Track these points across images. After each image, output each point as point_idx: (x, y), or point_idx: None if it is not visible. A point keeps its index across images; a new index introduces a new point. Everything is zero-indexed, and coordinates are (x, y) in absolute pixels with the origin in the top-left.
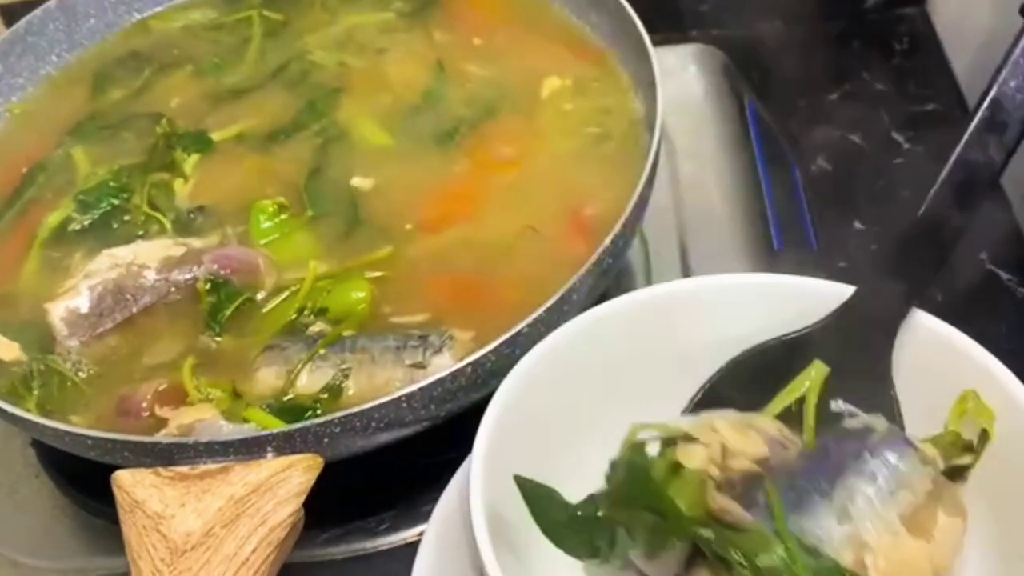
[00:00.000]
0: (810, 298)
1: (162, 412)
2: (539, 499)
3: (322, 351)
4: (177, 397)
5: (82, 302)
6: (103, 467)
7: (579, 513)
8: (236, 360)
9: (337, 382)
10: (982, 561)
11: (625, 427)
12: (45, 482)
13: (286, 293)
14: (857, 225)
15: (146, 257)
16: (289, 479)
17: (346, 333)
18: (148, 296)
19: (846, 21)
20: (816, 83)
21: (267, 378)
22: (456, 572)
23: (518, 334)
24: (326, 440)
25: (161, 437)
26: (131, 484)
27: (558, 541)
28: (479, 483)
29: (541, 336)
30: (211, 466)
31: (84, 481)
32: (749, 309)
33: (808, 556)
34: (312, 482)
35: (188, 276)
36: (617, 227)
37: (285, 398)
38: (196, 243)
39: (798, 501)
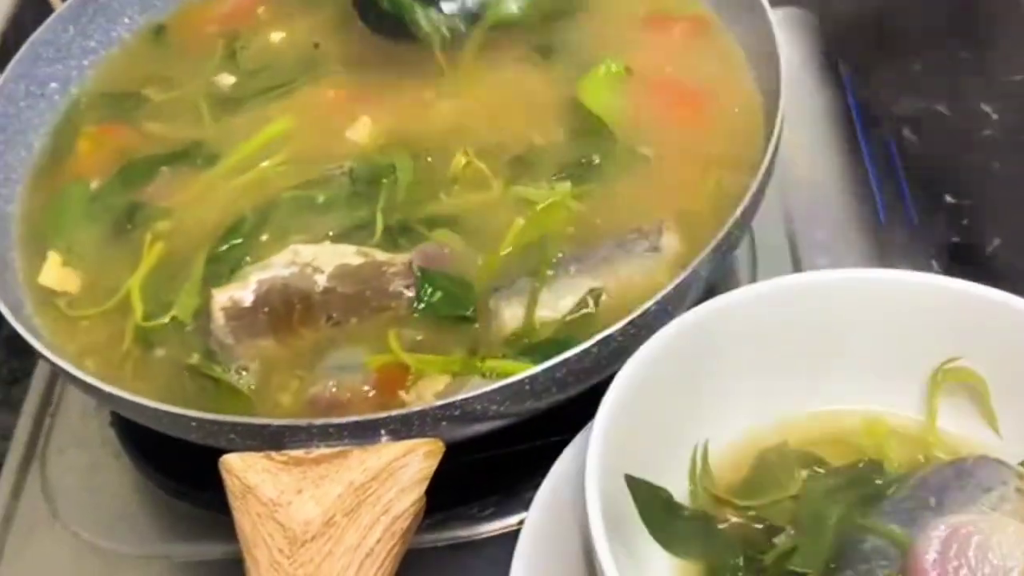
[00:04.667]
0: (934, 294)
1: (406, 396)
2: (649, 501)
3: (550, 272)
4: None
5: (247, 295)
6: (186, 448)
7: (688, 516)
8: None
9: (587, 300)
10: None
11: (744, 416)
12: (125, 463)
13: None
14: (948, 199)
15: (324, 260)
16: (409, 465)
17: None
18: (312, 306)
19: None
20: (900, 52)
21: (513, 317)
22: (558, 557)
23: (645, 313)
24: (444, 423)
25: (270, 419)
26: (242, 469)
27: (666, 543)
28: (595, 468)
29: (667, 315)
30: (326, 450)
31: (167, 462)
32: (869, 304)
33: None
34: (434, 468)
35: (353, 290)
36: (747, 199)
37: (533, 336)
38: (380, 255)
39: (910, 519)
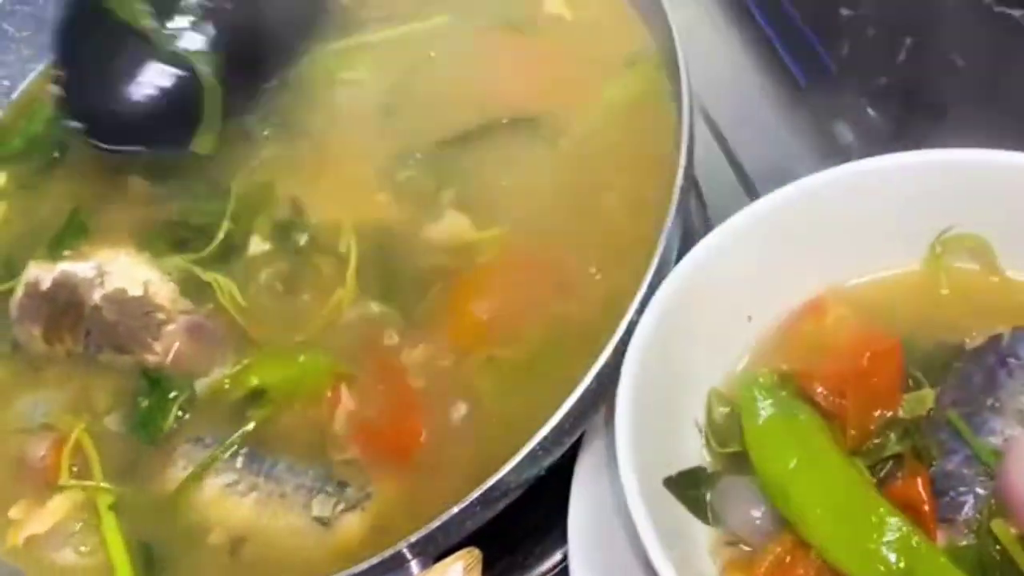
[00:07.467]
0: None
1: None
2: (694, 491)
3: (239, 465)
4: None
5: (46, 280)
6: None
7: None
8: None
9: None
10: None
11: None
12: None
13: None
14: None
15: (117, 276)
16: None
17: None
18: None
19: None
20: None
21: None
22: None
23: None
24: (468, 522)
25: None
26: None
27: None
28: (632, 478)
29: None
30: None
31: None
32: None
33: None
34: None
35: (112, 319)
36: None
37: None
38: (162, 295)
39: (979, 425)
